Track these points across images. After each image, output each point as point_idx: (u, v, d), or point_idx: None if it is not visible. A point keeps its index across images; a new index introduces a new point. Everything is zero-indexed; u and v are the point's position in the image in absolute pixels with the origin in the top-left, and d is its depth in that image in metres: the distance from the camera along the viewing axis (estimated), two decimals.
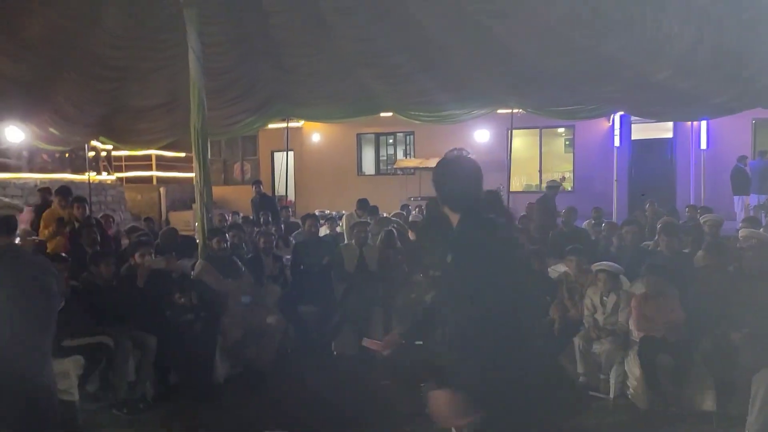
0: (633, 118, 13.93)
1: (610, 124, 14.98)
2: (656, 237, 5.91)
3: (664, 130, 15.04)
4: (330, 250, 6.63)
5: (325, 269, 6.35)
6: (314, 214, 7.06)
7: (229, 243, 6.06)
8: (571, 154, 16.53)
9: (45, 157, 14.17)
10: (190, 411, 4.66)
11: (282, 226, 9.16)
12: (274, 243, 6.65)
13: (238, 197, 18.00)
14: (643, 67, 6.57)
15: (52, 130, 8.49)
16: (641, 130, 15.21)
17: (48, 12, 6.43)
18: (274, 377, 5.35)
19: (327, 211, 13.67)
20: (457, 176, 2.39)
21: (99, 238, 6.31)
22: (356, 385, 5.09)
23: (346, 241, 7.47)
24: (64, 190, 7.27)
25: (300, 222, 8.27)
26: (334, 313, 6.04)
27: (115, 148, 15.39)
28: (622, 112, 12.45)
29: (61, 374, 4.47)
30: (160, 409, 4.72)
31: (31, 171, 13.39)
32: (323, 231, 8.53)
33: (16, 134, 9.07)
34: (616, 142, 14.65)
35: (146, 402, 4.74)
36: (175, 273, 5.20)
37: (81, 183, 12.98)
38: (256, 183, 11.51)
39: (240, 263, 5.90)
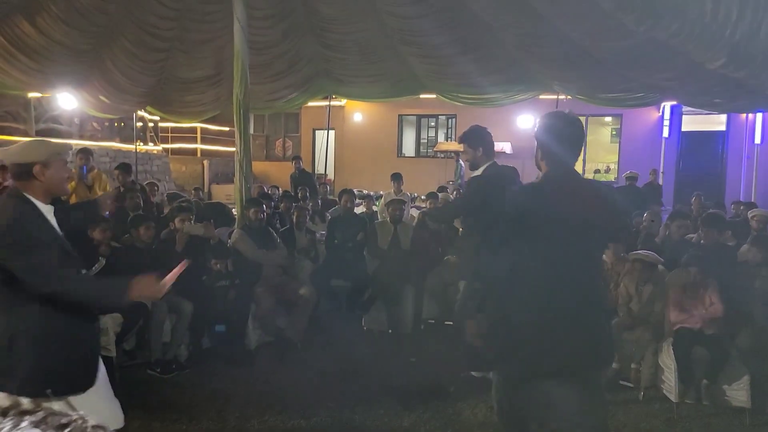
0: (684, 108, 13.47)
1: (660, 114, 14.53)
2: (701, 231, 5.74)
3: (717, 122, 14.50)
4: (364, 226, 6.67)
5: (359, 245, 6.40)
6: (351, 190, 7.10)
7: (264, 214, 6.15)
8: (617, 145, 16.12)
9: (95, 124, 14.62)
10: (220, 375, 4.79)
11: (319, 201, 9.24)
12: (308, 217, 6.72)
13: (279, 173, 18.23)
14: (697, 54, 6.32)
15: (102, 98, 8.76)
16: (692, 122, 14.70)
17: None
18: (304, 348, 5.45)
19: (365, 191, 13.73)
20: (570, 128, 2.58)
21: (142, 203, 6.49)
22: (383, 361, 5.13)
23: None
24: (126, 166, 7.56)
25: (337, 199, 8.34)
26: (365, 288, 6.09)
27: (161, 120, 15.77)
28: (672, 102, 12.06)
29: (100, 330, 4.68)
30: (192, 371, 4.86)
31: (81, 138, 13.84)
32: (360, 209, 8.58)
33: (69, 101, 9.41)
34: (665, 133, 14.22)
35: (179, 364, 4.89)
36: (212, 240, 5.32)
37: (128, 152, 13.38)
38: (296, 159, 11.63)
39: (275, 234, 5.99)
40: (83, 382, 2.61)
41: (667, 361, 4.39)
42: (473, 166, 3.98)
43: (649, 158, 14.45)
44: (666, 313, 4.67)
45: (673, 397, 4.34)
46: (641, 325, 4.66)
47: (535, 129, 2.68)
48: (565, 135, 2.54)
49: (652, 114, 14.75)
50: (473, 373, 4.80)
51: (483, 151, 3.90)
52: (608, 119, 16.38)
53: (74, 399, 2.55)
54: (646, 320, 4.70)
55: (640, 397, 4.50)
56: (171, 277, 2.52)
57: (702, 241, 5.55)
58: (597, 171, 16.55)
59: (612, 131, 16.61)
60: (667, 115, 14.24)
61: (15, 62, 7.38)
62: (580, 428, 2.48)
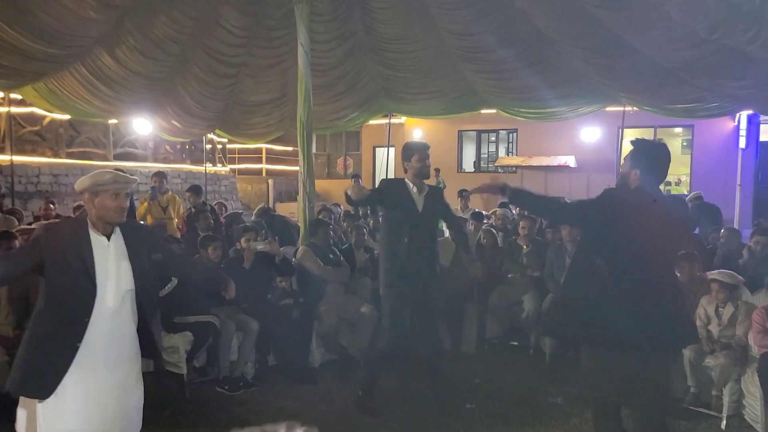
0: (762, 118, 12.78)
1: (736, 124, 13.83)
2: None
3: None
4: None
5: None
6: None
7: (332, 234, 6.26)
8: (689, 156, 15.45)
9: (168, 148, 15.33)
10: (285, 393, 4.86)
11: (379, 219, 9.29)
12: (366, 235, 6.78)
13: (340, 191, 18.45)
14: None
15: (174, 122, 9.19)
16: None
17: (173, 12, 6.95)
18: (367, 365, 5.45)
19: None
20: (660, 156, 3.11)
21: (212, 223, 6.73)
22: (447, 380, 5.06)
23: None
24: (196, 188, 7.90)
25: None
26: None
27: (229, 141, 16.34)
28: (749, 111, 11.45)
29: (171, 348, 4.85)
30: (259, 388, 4.95)
31: (155, 161, 14.54)
32: None
33: (144, 126, 9.92)
34: (742, 144, 13.49)
35: (246, 381, 5.00)
36: (277, 257, 5.44)
37: (198, 173, 13.94)
38: (355, 177, 11.77)
39: (338, 252, 6.07)
40: (40, 392, 2.69)
41: (752, 388, 4.12)
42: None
43: (725, 170, 13.76)
44: (750, 337, 4.40)
45: (759, 428, 4.06)
46: (723, 349, 4.40)
47: (637, 151, 3.14)
48: (666, 163, 3.11)
49: (727, 124, 14.06)
50: (549, 398, 4.69)
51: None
52: (678, 130, 15.76)
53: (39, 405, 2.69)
54: (727, 344, 4.43)
55: (723, 426, 4.23)
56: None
57: None
58: (668, 183, 15.90)
59: (683, 142, 15.96)
60: (743, 125, 13.52)
61: (96, 92, 7.87)
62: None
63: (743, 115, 13.12)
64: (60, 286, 2.67)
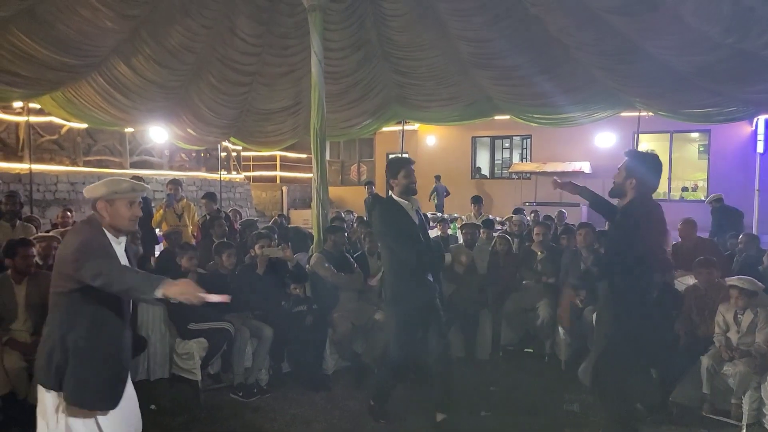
0: None
1: (753, 128, 13.64)
2: None
3: None
4: (439, 250, 6.62)
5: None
6: (424, 214, 7.08)
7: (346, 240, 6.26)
8: (706, 161, 15.27)
9: (183, 156, 15.49)
10: (299, 399, 4.86)
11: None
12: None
13: (354, 197, 18.54)
14: None
15: (190, 130, 9.29)
16: None
17: (188, 22, 7.04)
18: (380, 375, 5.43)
19: (438, 214, 13.70)
20: (654, 166, 3.45)
21: (227, 230, 6.76)
22: (462, 389, 5.03)
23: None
24: (211, 195, 7.96)
25: None
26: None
27: (243, 149, 16.48)
28: (767, 115, 11.31)
29: (186, 355, 4.88)
30: (273, 395, 4.95)
31: (171, 168, 14.70)
32: (435, 232, 8.54)
33: (160, 135, 10.04)
34: (760, 149, 13.28)
35: (260, 388, 5.01)
36: (291, 263, 5.45)
37: (213, 181, 14.06)
38: (369, 184, 11.79)
39: (352, 259, 6.07)
40: (109, 403, 2.73)
41: None
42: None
43: (743, 175, 13.58)
44: None
45: None
46: (742, 357, 4.33)
47: (633, 163, 3.42)
48: (657, 173, 3.44)
49: (744, 128, 13.89)
50: (565, 406, 4.65)
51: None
52: (695, 135, 15.60)
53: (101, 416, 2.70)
54: (747, 352, 4.36)
55: None
56: (214, 298, 2.64)
57: None
58: (684, 189, 15.74)
59: (700, 147, 15.79)
60: (761, 129, 13.32)
61: (113, 101, 7.98)
62: None
63: (761, 120, 12.93)
64: (105, 294, 2.62)
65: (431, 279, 4.31)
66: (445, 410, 4.33)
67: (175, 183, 8.04)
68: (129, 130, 11.79)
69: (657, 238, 3.40)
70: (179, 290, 2.55)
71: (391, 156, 4.71)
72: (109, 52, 7.23)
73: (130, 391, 2.90)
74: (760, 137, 13.27)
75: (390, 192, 4.36)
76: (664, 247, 3.70)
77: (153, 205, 8.58)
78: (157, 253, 7.45)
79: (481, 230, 7.09)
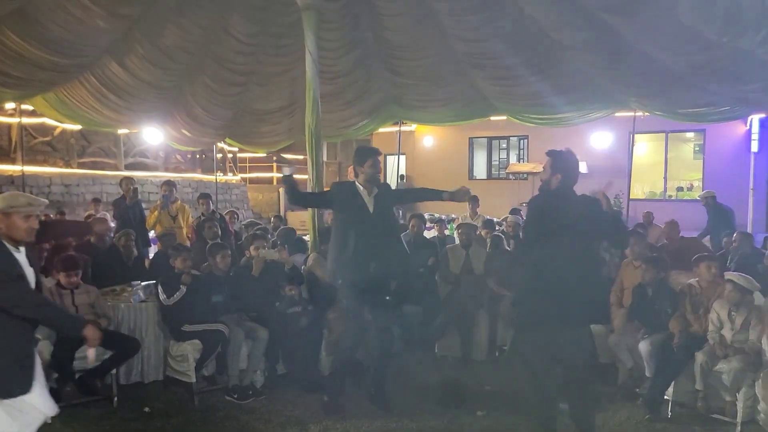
0: None
1: (748, 128, 13.68)
2: None
3: None
4: (435, 250, 6.62)
5: (430, 270, 6.35)
6: (420, 214, 7.09)
7: None
8: (701, 161, 15.29)
9: (178, 157, 15.45)
10: (294, 401, 4.83)
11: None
12: None
13: None
14: None
15: (184, 131, 9.25)
16: None
17: (182, 21, 7.01)
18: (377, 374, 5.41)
19: (436, 214, 13.69)
20: (574, 162, 3.86)
21: (220, 232, 6.73)
22: (457, 388, 5.02)
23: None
24: (206, 196, 8.00)
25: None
26: (438, 314, 6.01)
27: (240, 150, 16.44)
28: (762, 115, 11.33)
29: (180, 356, 4.86)
30: (268, 397, 4.92)
31: (166, 170, 14.66)
32: (432, 233, 8.54)
33: (154, 136, 10.00)
34: (754, 148, 13.34)
35: (255, 389, 4.98)
36: (287, 265, 5.43)
37: (209, 182, 14.02)
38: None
39: None
40: (20, 389, 2.92)
41: (766, 393, 4.05)
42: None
43: (738, 175, 13.60)
44: (764, 342, 4.32)
45: None
46: (736, 354, 4.32)
47: (556, 161, 3.79)
48: (576, 168, 3.86)
49: (739, 128, 13.90)
50: (560, 405, 4.62)
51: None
52: (690, 135, 15.62)
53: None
54: (741, 349, 4.35)
55: None
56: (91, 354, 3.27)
57: None
58: (680, 188, 15.76)
59: (695, 147, 15.81)
60: (755, 129, 13.37)
61: (106, 101, 7.93)
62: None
63: (755, 119, 12.98)
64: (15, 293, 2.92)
65: (379, 265, 4.43)
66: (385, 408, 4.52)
67: (169, 184, 8.01)
68: (123, 131, 11.74)
69: (571, 217, 3.63)
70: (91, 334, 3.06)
71: (359, 146, 4.86)
72: (101, 52, 7.19)
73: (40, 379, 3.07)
74: (755, 136, 13.33)
75: (355, 179, 4.56)
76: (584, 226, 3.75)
77: (146, 206, 8.56)
78: (151, 255, 7.42)
79: (481, 229, 7.10)
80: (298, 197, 4.80)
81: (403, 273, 4.83)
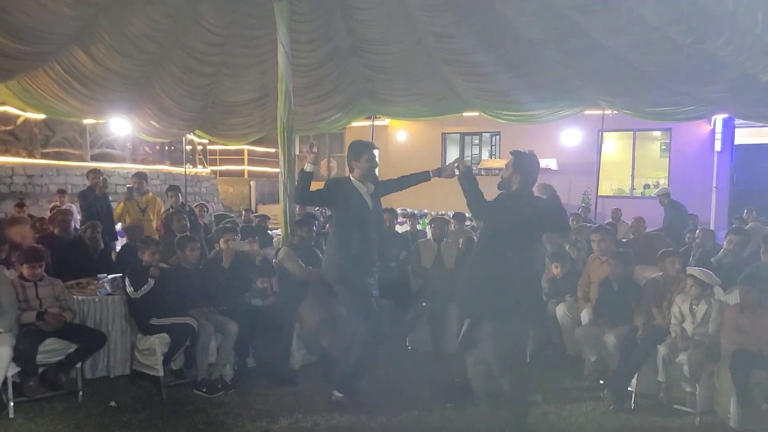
0: (737, 121, 13.00)
1: (712, 127, 14.05)
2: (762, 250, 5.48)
3: None
4: (407, 245, 6.65)
5: (402, 264, 6.38)
6: (392, 209, 7.11)
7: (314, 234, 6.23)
8: (667, 159, 15.66)
9: (146, 149, 15.15)
10: (265, 395, 4.82)
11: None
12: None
13: None
14: (749, 65, 6.09)
15: (153, 122, 9.07)
16: (746, 135, 14.15)
17: (150, 10, 6.86)
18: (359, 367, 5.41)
19: (409, 209, 13.74)
20: (535, 164, 4.00)
21: (189, 225, 6.65)
22: (429, 381, 5.07)
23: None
24: (175, 188, 7.88)
25: None
26: (409, 307, 6.05)
27: (210, 143, 16.22)
28: (724, 115, 11.65)
29: (147, 350, 4.80)
30: (237, 390, 4.89)
31: (134, 162, 14.37)
32: (404, 228, 8.57)
33: (121, 126, 9.80)
34: (717, 147, 13.73)
35: (224, 383, 4.94)
36: (257, 257, 5.40)
37: (178, 175, 13.81)
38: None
39: (320, 254, 6.03)
40: None
41: (724, 384, 4.19)
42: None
43: (701, 173, 13.98)
44: (722, 334, 4.46)
45: (732, 423, 4.13)
46: (696, 346, 4.46)
47: (519, 161, 3.92)
48: (537, 170, 3.98)
49: (703, 127, 14.27)
50: (528, 396, 4.70)
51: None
52: (657, 134, 15.96)
53: None
54: (701, 342, 4.49)
55: (697, 422, 4.30)
56: None
57: (763, 260, 5.30)
58: (646, 186, 16.10)
59: (661, 146, 16.16)
60: (718, 129, 13.75)
61: (71, 90, 7.72)
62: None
63: (719, 119, 13.35)
64: None
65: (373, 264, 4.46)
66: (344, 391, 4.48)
67: (139, 176, 7.87)
68: (89, 121, 11.46)
69: (527, 218, 3.80)
70: None
71: (354, 140, 4.71)
72: (66, 40, 6.99)
73: None
74: (718, 136, 13.71)
75: (350, 175, 4.47)
76: (535, 228, 4.05)
77: (113, 199, 8.40)
78: (119, 248, 7.29)
79: (452, 222, 7.16)
80: (306, 197, 4.49)
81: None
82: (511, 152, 4.02)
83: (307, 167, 4.31)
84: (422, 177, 4.66)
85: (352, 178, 4.44)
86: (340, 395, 4.49)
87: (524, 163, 3.92)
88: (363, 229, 4.33)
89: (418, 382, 5.12)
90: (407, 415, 4.43)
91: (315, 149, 4.35)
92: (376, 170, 4.59)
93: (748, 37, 5.45)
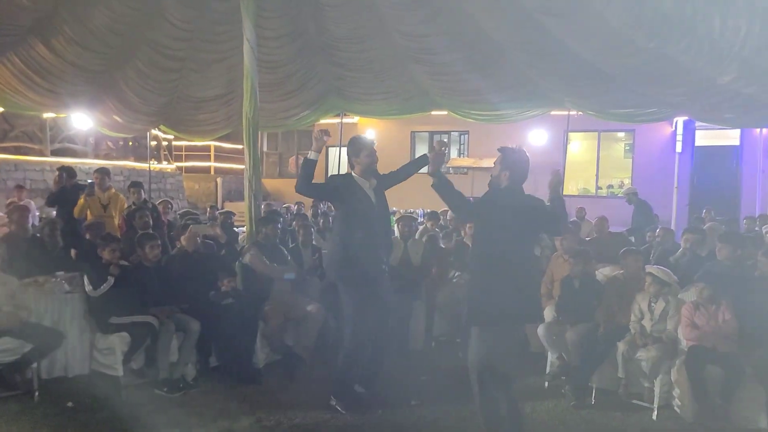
0: (697, 124, 13.36)
1: (673, 129, 14.41)
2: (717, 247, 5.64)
3: (731, 137, 14.34)
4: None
5: None
6: None
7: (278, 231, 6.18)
8: (630, 160, 15.99)
9: (110, 144, 14.83)
10: (228, 394, 4.76)
11: (330, 219, 9.24)
12: (313, 235, 6.75)
13: (293, 190, 18.28)
14: (708, 69, 6.27)
15: (115, 117, 8.89)
16: (706, 137, 14.55)
17: (113, 2, 6.72)
18: (314, 365, 5.41)
19: None
20: (523, 160, 3.85)
21: (151, 222, 6.53)
22: (394, 379, 5.07)
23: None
24: (138, 184, 7.71)
25: None
26: None
27: (175, 138, 15.95)
28: (685, 117, 11.97)
29: (107, 350, 4.70)
30: (200, 390, 4.82)
31: (96, 157, 14.04)
32: None
33: (83, 121, 9.56)
34: (678, 149, 14.09)
35: (186, 383, 4.86)
36: (221, 239, 5.31)
37: (142, 171, 13.54)
38: None
39: (285, 252, 6.00)
40: None
41: (681, 379, 4.30)
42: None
43: (663, 174, 14.31)
44: (679, 331, 4.58)
45: (687, 417, 4.25)
46: (654, 343, 4.57)
47: (506, 157, 3.81)
48: (525, 166, 3.83)
49: (666, 129, 14.63)
50: None
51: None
52: (621, 135, 16.27)
53: None
54: (658, 338, 4.61)
55: (654, 416, 4.40)
56: None
57: (719, 258, 5.45)
58: (610, 186, 16.42)
59: (625, 147, 16.48)
60: (680, 131, 14.11)
61: (30, 84, 7.52)
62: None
63: (680, 121, 13.70)
64: None
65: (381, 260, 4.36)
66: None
67: (102, 172, 7.70)
68: (50, 115, 11.15)
69: (519, 219, 3.67)
70: None
71: (353, 137, 4.67)
72: (25, 32, 6.80)
73: None
74: (679, 138, 14.07)
75: (351, 171, 4.43)
76: (528, 228, 3.88)
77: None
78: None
79: (426, 221, 7.19)
80: (309, 186, 4.36)
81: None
82: (498, 149, 3.92)
83: (311, 155, 4.28)
84: (422, 161, 4.67)
85: (354, 174, 4.41)
86: (335, 400, 4.41)
87: (511, 159, 3.82)
88: (367, 226, 4.28)
89: (382, 379, 5.11)
90: (371, 414, 4.42)
91: (327, 137, 4.32)
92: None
93: (706, 43, 5.61)
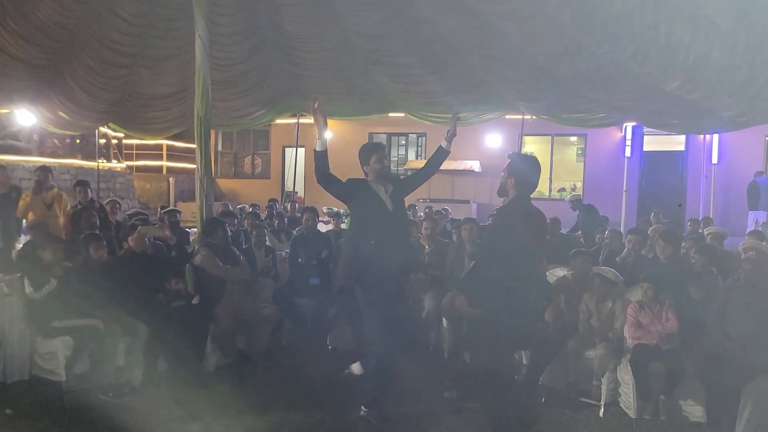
0: (646, 129, 13.82)
1: (623, 134, 14.88)
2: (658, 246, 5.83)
3: (677, 143, 14.93)
4: (329, 243, 6.62)
5: (323, 263, 6.34)
6: (313, 207, 7.04)
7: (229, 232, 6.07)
8: (582, 164, 16.41)
9: (56, 141, 14.28)
10: (177, 398, 4.64)
11: (285, 219, 9.14)
12: (267, 236, 6.67)
13: (248, 190, 18.07)
14: (654, 76, 6.48)
15: (61, 113, 8.58)
16: (653, 142, 15.10)
17: None
18: (267, 368, 5.34)
19: (334, 208, 13.67)
20: (533, 167, 3.71)
21: (98, 222, 6.33)
22: (349, 381, 5.04)
23: None
24: (84, 183, 7.40)
25: None
26: (330, 306, 6.01)
27: (126, 137, 15.49)
28: (633, 123, 12.35)
29: (49, 354, 4.52)
30: (147, 395, 4.69)
31: (41, 155, 13.50)
32: (328, 227, 8.52)
33: (27, 117, 9.19)
34: (628, 153, 14.55)
35: (133, 388, 4.72)
36: (170, 241, 5.19)
37: (90, 169, 13.11)
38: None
39: (238, 252, 5.90)
40: None
41: (626, 377, 4.43)
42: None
43: (613, 177, 14.74)
44: (625, 330, 4.71)
45: (631, 413, 4.37)
46: (601, 341, 4.69)
47: (512, 163, 3.67)
48: (534, 172, 3.67)
49: (616, 134, 15.09)
50: (445, 393, 4.76)
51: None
52: (574, 139, 16.68)
53: None
54: (605, 337, 4.73)
55: (601, 413, 4.51)
56: None
57: (660, 257, 5.63)
58: (562, 189, 16.80)
59: (578, 150, 16.91)
60: (629, 136, 14.58)
61: None
62: None
63: (629, 127, 14.15)
64: None
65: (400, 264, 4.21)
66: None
67: (44, 170, 7.39)
68: None
69: (529, 235, 3.60)
70: None
71: (363, 144, 4.54)
72: None
73: None
74: (628, 143, 14.54)
75: (366, 177, 4.32)
76: (538, 243, 3.88)
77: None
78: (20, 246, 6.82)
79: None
80: (327, 176, 4.25)
81: (414, 268, 4.70)
82: (508, 155, 3.78)
83: (318, 146, 4.23)
84: (441, 154, 4.54)
85: (368, 180, 4.29)
86: (365, 411, 4.24)
87: (517, 165, 3.67)
88: (381, 232, 4.11)
89: (337, 382, 5.08)
90: (324, 416, 4.38)
91: (316, 105, 4.27)
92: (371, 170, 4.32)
93: (653, 50, 5.80)
